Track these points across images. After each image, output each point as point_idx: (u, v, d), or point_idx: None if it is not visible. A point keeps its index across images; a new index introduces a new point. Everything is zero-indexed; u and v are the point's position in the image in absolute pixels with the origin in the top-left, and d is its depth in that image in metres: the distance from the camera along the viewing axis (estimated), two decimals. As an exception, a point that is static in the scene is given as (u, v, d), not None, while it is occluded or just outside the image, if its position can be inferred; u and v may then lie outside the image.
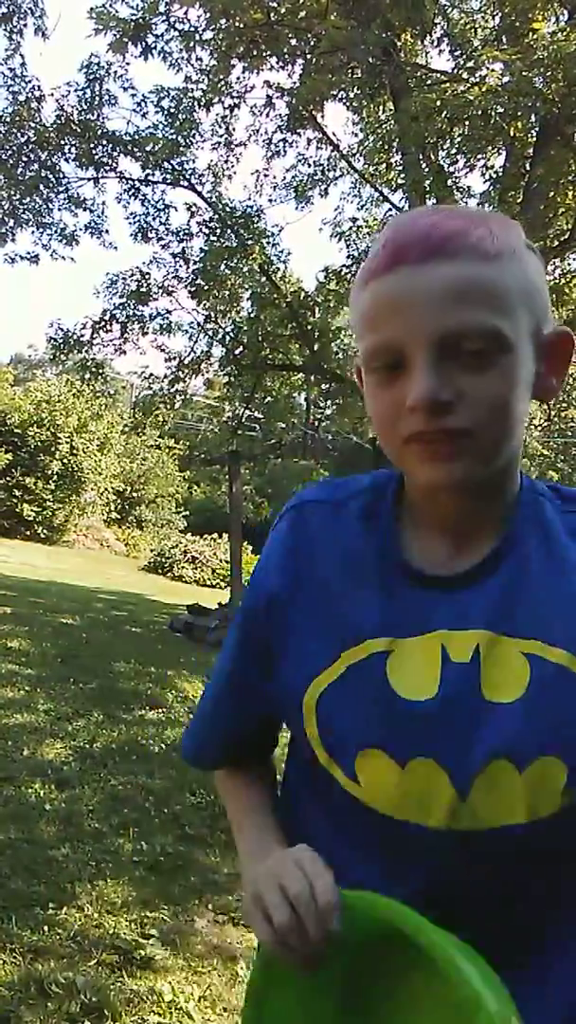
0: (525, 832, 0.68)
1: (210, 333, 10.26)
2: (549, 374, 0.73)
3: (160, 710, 5.25)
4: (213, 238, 9.78)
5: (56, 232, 9.99)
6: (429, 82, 7.58)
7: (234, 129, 9.68)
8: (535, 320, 0.70)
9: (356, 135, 10.10)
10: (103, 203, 12.10)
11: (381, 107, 9.08)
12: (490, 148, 7.84)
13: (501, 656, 0.70)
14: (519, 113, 6.52)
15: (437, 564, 0.75)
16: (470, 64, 7.06)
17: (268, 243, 9.61)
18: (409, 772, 0.69)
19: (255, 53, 8.20)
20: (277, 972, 0.71)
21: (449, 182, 8.18)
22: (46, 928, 2.48)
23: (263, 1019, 0.73)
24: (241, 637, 0.84)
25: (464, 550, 0.75)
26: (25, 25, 9.28)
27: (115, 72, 9.21)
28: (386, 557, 0.76)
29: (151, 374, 10.65)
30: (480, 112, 6.27)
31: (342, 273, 9.44)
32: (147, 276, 9.77)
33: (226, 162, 9.96)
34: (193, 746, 0.93)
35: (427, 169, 7.87)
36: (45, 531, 18.95)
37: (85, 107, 9.27)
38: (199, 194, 9.76)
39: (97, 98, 9.26)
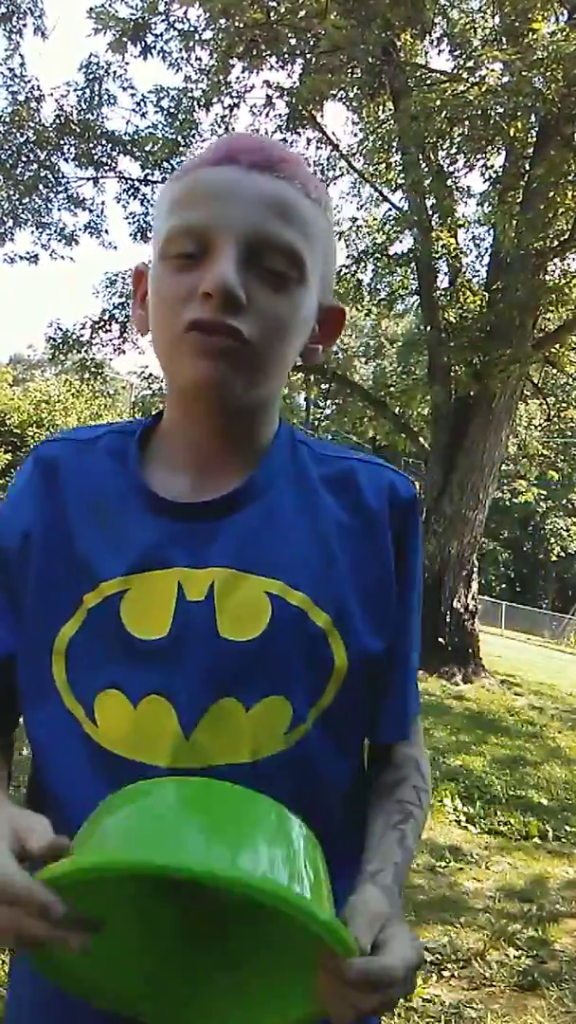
0: (252, 772, 0.65)
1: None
2: (319, 340, 0.75)
3: (160, 710, 5.25)
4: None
5: (55, 232, 10.00)
6: (429, 82, 7.58)
7: (234, 129, 9.68)
8: (325, 282, 0.73)
9: (356, 135, 10.11)
10: (102, 203, 12.14)
11: (381, 107, 9.08)
12: (490, 148, 7.84)
13: (241, 593, 0.68)
14: (519, 113, 6.52)
15: (181, 496, 0.72)
16: (470, 64, 7.06)
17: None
18: (140, 710, 0.66)
19: (255, 53, 8.19)
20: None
21: (449, 182, 8.18)
22: (46, 928, 2.48)
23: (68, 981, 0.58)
24: None
25: (209, 486, 0.73)
26: (25, 25, 9.28)
27: (114, 72, 9.22)
28: (130, 489, 0.74)
29: (151, 374, 10.66)
30: (480, 112, 6.28)
31: (342, 273, 9.44)
32: (147, 276, 9.78)
33: (226, 162, 9.95)
34: None
35: (427, 169, 7.86)
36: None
37: (84, 107, 9.27)
38: (199, 194, 9.76)
39: (96, 98, 9.26)
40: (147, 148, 9.24)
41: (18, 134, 9.28)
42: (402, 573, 0.75)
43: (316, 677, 0.69)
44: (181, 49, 8.91)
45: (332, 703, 0.69)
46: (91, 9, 8.43)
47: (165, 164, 9.47)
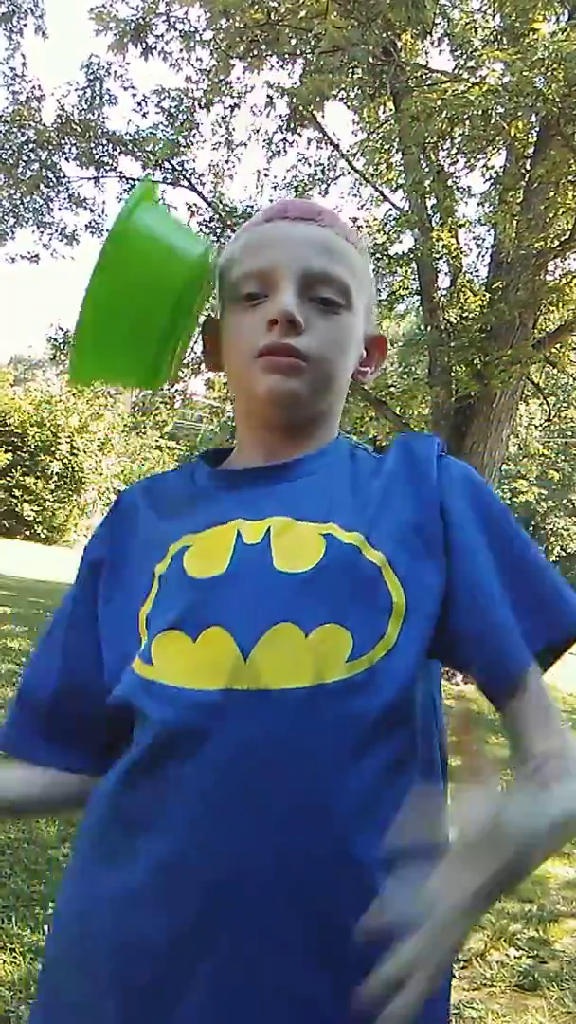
0: (314, 695, 0.67)
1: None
2: (366, 364, 0.88)
3: (160, 710, 5.24)
4: (213, 238, 9.78)
5: (56, 231, 10.00)
6: (429, 82, 7.57)
7: (234, 129, 9.68)
8: (369, 315, 0.86)
9: (356, 135, 10.11)
10: (103, 202, 12.14)
11: (381, 107, 9.07)
12: (490, 148, 7.83)
13: (296, 535, 0.74)
14: (519, 113, 6.51)
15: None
16: (470, 64, 7.06)
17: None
18: (199, 643, 0.70)
19: (255, 53, 8.19)
20: None
21: (449, 182, 8.18)
22: (46, 928, 2.48)
23: None
24: (78, 592, 0.85)
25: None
26: (25, 25, 9.29)
27: (115, 72, 9.23)
28: (201, 483, 0.84)
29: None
30: (480, 112, 6.26)
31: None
32: (147, 276, 9.78)
33: (226, 162, 9.96)
34: (11, 723, 0.83)
35: (427, 169, 7.86)
36: (45, 531, 18.94)
37: (85, 107, 9.28)
38: (199, 194, 9.76)
39: (97, 98, 9.27)
40: (148, 148, 9.24)
41: (19, 134, 9.28)
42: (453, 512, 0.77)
43: (375, 612, 0.71)
44: (182, 49, 8.91)
45: (399, 638, 0.70)
46: (92, 9, 8.44)
47: (166, 164, 9.48)
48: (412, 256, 8.69)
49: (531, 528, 33.27)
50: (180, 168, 9.62)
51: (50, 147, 9.33)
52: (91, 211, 9.97)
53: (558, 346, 8.57)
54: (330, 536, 0.73)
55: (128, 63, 10.39)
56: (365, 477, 0.81)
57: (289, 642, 0.68)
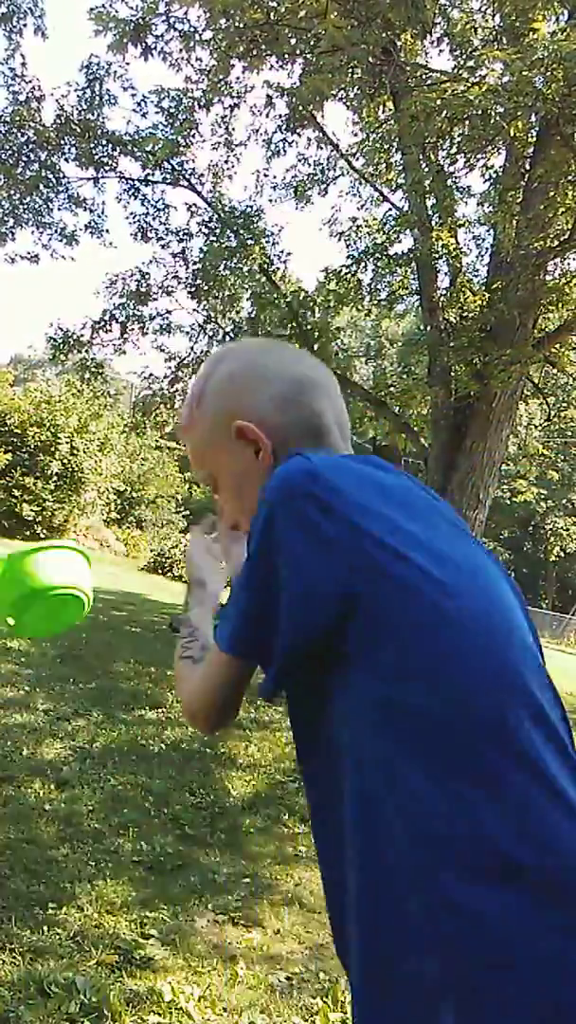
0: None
1: (210, 333, 10.26)
2: (258, 447, 1.01)
3: (160, 710, 5.25)
4: (213, 238, 9.77)
5: (56, 232, 9.99)
6: (429, 82, 7.56)
7: (234, 129, 9.67)
8: (229, 430, 1.01)
9: (356, 135, 10.10)
10: (103, 203, 12.12)
11: (381, 107, 9.07)
12: (490, 148, 7.82)
13: None
14: (519, 113, 6.50)
15: None
16: (470, 64, 7.05)
17: (268, 243, 9.60)
18: None
19: (255, 53, 8.18)
20: None
21: (449, 182, 8.18)
22: (46, 928, 2.48)
23: None
24: None
25: None
26: (25, 25, 9.28)
27: (115, 72, 9.22)
28: None
29: (151, 374, 10.66)
30: (480, 112, 6.25)
31: (342, 273, 9.44)
32: (147, 276, 9.77)
33: (226, 162, 9.96)
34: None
35: (427, 169, 7.85)
36: (45, 531, 18.90)
37: (85, 107, 9.27)
38: (199, 194, 9.76)
39: (97, 98, 9.26)
40: (148, 148, 9.24)
41: (19, 134, 9.27)
42: None
43: None
44: (181, 49, 8.90)
45: None
46: (91, 10, 8.43)
47: (165, 164, 9.47)
48: (412, 256, 8.70)
49: (531, 528, 33.27)
50: (180, 168, 9.61)
51: (50, 147, 9.31)
52: (90, 211, 9.97)
53: (558, 346, 8.56)
54: None
55: (128, 63, 10.39)
56: None
57: None
